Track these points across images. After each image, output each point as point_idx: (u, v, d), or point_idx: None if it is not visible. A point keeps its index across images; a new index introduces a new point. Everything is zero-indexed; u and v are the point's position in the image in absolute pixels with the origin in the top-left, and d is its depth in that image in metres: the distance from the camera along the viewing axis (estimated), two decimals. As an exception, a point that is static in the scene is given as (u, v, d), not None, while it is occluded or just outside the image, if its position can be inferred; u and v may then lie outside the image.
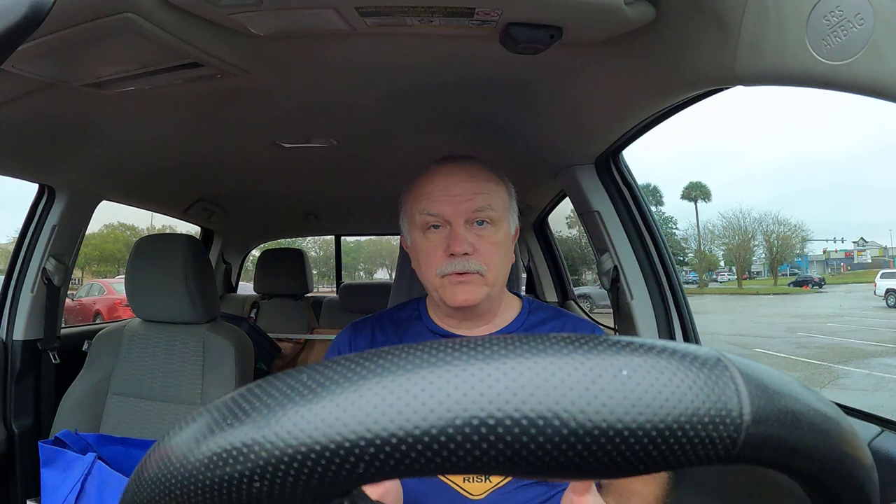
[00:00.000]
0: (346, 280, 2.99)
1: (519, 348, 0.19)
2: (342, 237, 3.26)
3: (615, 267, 1.22)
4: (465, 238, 0.75)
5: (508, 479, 0.72)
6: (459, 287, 0.75)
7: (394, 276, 1.30)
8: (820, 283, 18.89)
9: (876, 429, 0.66)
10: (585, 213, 1.27)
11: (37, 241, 1.38)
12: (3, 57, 0.29)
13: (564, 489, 0.72)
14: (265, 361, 2.09)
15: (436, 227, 0.77)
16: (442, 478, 0.72)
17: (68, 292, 1.53)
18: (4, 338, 1.38)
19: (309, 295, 2.64)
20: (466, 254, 0.74)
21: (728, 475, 0.91)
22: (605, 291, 1.29)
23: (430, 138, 1.27)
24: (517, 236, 0.86)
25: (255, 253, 3.09)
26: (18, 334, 1.38)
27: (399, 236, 0.91)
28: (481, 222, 0.77)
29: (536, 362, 0.18)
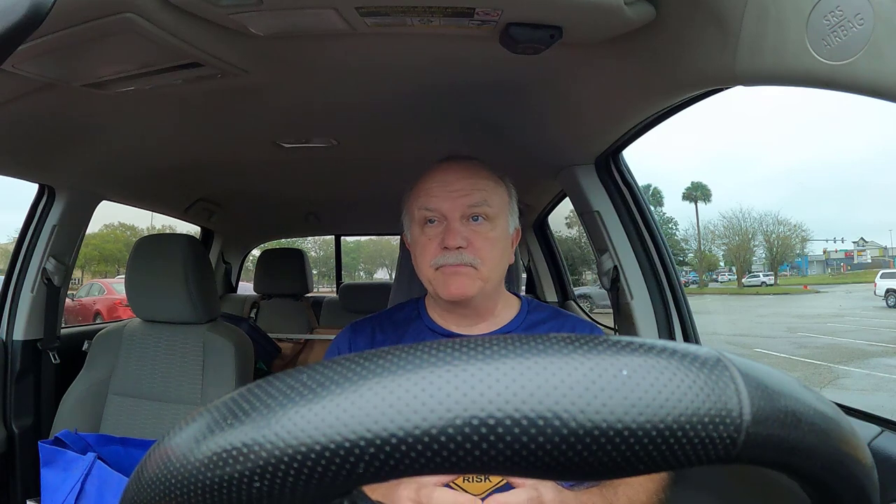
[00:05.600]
0: (346, 280, 2.99)
1: (519, 348, 0.19)
2: (342, 237, 3.26)
3: (615, 267, 1.22)
4: (460, 232, 0.76)
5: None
6: (452, 278, 0.76)
7: (394, 276, 1.30)
8: (696, 283, 23.80)
9: (876, 429, 0.66)
10: (585, 213, 1.27)
11: (37, 241, 1.38)
12: (3, 57, 0.29)
13: (564, 489, 0.72)
14: (265, 361, 2.09)
15: (432, 221, 0.79)
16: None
17: (68, 292, 1.53)
18: (4, 338, 1.38)
19: (309, 295, 2.64)
20: (460, 247, 0.75)
21: (728, 474, 0.91)
22: (605, 291, 1.29)
23: (430, 138, 1.27)
24: (518, 238, 0.86)
25: (256, 253, 3.09)
26: (18, 334, 1.38)
27: (399, 236, 0.92)
28: (477, 218, 0.78)
29: (536, 362, 0.18)
